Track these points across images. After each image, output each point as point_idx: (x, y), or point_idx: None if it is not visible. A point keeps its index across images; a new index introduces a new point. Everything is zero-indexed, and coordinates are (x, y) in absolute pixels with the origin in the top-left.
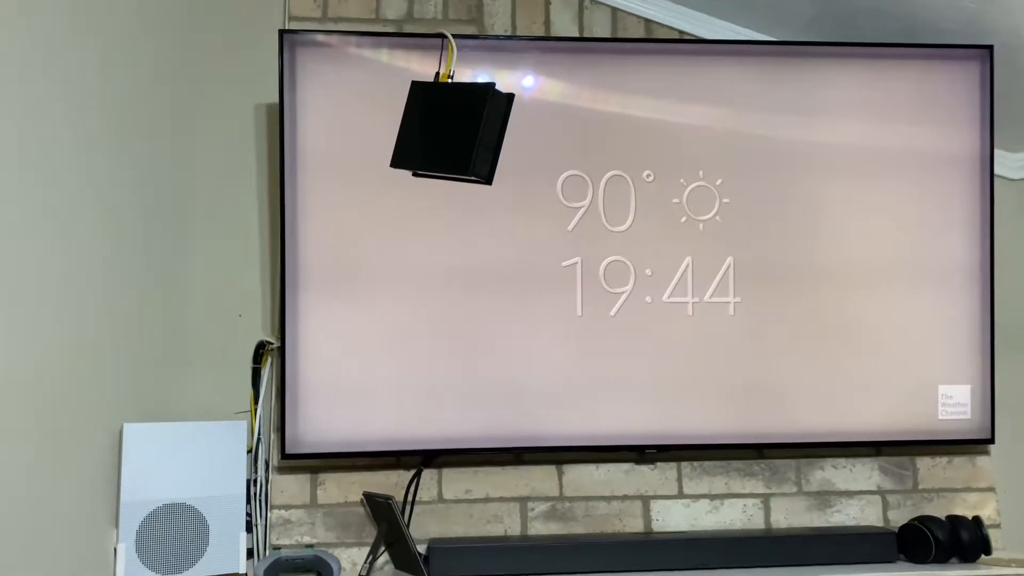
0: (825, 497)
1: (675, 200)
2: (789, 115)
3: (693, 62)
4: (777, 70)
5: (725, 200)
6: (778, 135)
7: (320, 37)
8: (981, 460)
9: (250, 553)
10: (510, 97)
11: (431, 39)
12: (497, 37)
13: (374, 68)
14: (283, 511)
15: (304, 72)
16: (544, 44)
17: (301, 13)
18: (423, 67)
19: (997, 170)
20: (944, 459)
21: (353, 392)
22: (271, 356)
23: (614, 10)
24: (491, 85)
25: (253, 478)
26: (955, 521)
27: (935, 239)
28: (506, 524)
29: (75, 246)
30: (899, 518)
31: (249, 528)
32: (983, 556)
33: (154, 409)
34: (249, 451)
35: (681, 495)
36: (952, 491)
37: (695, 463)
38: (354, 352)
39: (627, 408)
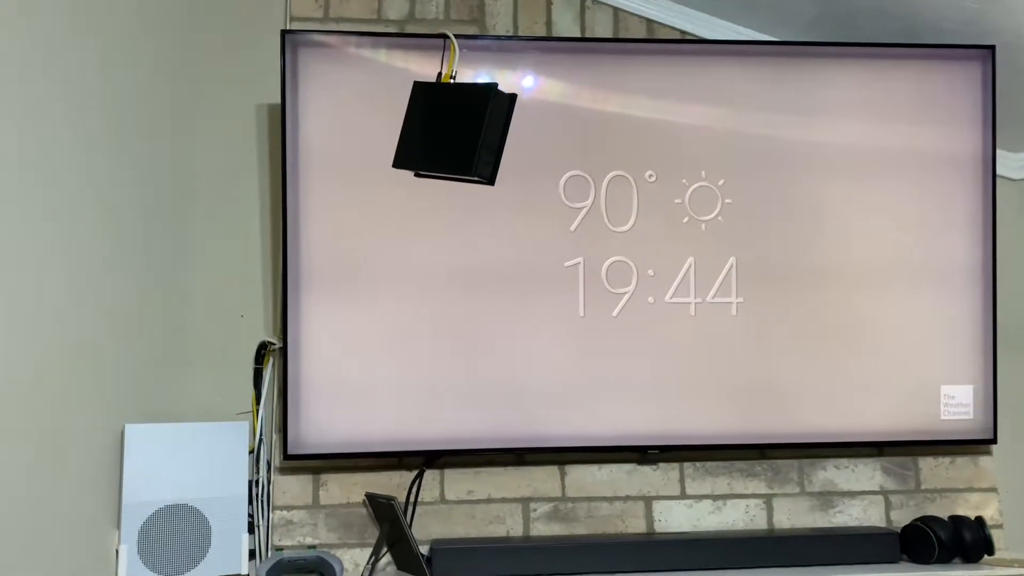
0: (828, 497)
1: (677, 200)
2: (791, 115)
3: (695, 62)
4: (779, 70)
5: (727, 200)
6: (780, 135)
7: (322, 37)
8: (983, 460)
9: (252, 554)
10: (512, 97)
11: (433, 39)
12: (499, 37)
13: (376, 68)
14: (285, 512)
15: (306, 72)
16: (546, 44)
17: (302, 13)
18: (425, 67)
19: (999, 170)
20: (946, 459)
21: (355, 392)
22: (273, 356)
23: (616, 10)
24: (493, 85)
25: (255, 479)
26: (958, 521)
27: (937, 239)
28: (508, 525)
29: (75, 246)
30: (901, 518)
31: (251, 529)
32: (986, 556)
33: (156, 410)
34: (251, 452)
35: (684, 496)
36: (954, 491)
37: (697, 464)
38: (356, 352)
39: (629, 408)
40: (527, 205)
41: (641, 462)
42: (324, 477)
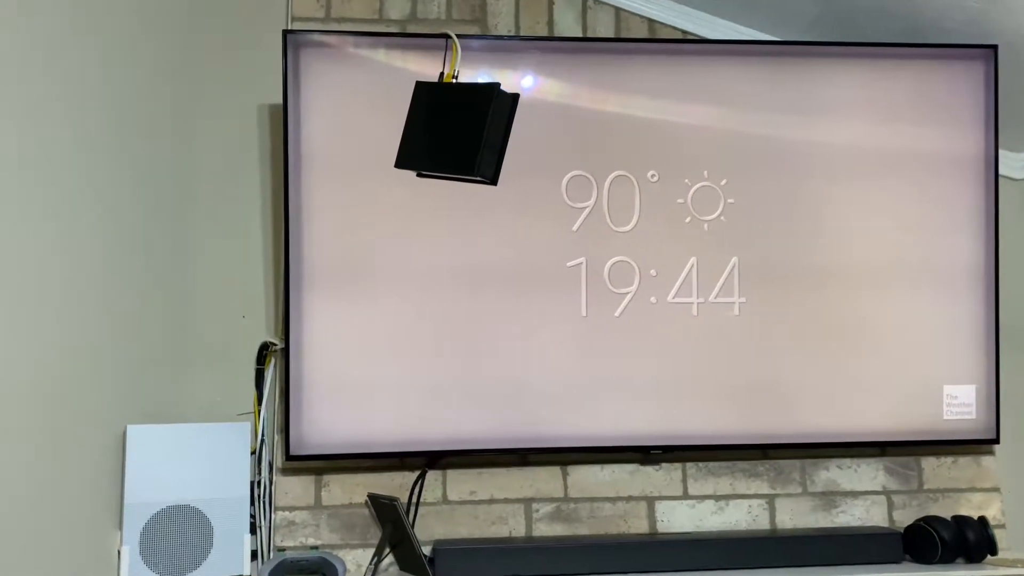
0: (830, 497)
1: (680, 200)
2: (793, 115)
3: (696, 62)
4: (780, 70)
5: (730, 200)
6: (782, 135)
7: (323, 38)
8: (986, 460)
9: (254, 555)
10: (515, 97)
11: (435, 39)
12: (501, 37)
13: (377, 68)
14: (287, 513)
15: (307, 72)
16: (548, 44)
17: (304, 13)
18: (427, 67)
19: (1001, 170)
20: (949, 459)
21: (357, 393)
22: (274, 357)
23: (617, 10)
24: (496, 85)
25: (257, 480)
26: (961, 521)
27: (939, 239)
28: (511, 525)
29: (75, 246)
30: (904, 518)
31: (253, 530)
32: (989, 556)
33: (157, 410)
34: (253, 453)
35: (686, 496)
36: (957, 491)
37: (700, 464)
38: (358, 353)
39: (632, 409)
40: (529, 205)
41: (643, 462)
42: (326, 478)
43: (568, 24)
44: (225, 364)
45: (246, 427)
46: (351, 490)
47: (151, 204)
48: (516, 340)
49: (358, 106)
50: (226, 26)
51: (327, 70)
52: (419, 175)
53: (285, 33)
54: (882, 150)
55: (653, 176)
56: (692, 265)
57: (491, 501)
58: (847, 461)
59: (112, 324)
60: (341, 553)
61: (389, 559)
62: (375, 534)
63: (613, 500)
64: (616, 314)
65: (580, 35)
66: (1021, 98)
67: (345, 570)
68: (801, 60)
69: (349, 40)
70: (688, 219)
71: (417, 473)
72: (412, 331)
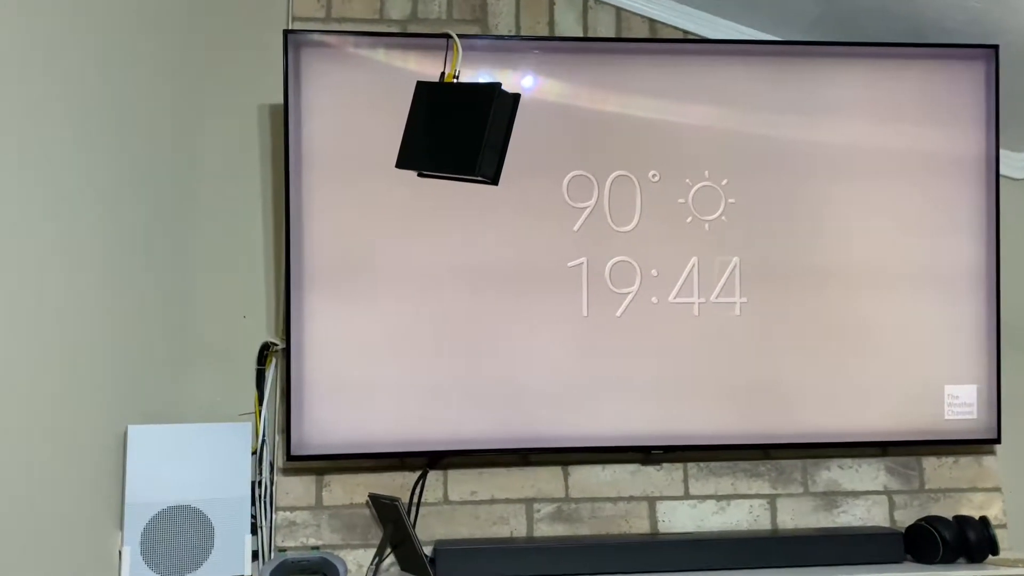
0: (831, 497)
1: (681, 200)
2: (794, 115)
3: (697, 62)
4: (782, 70)
5: (731, 200)
6: (783, 135)
7: (324, 37)
8: (987, 460)
9: (255, 555)
10: (516, 97)
11: (435, 39)
12: (501, 37)
13: (378, 68)
14: (288, 513)
15: (308, 72)
16: (548, 44)
17: (304, 13)
18: (428, 67)
19: (1002, 170)
20: (950, 459)
21: (358, 393)
22: (275, 357)
23: (618, 10)
24: (497, 85)
25: (258, 480)
26: (962, 521)
27: (941, 239)
28: (512, 525)
29: (75, 246)
30: (905, 518)
31: (254, 530)
32: (990, 556)
33: (158, 411)
34: (254, 453)
35: (687, 496)
36: (958, 491)
37: (701, 464)
38: (359, 353)
39: (633, 409)
40: (530, 205)
41: (645, 462)
42: (327, 478)
43: (569, 24)
44: (226, 364)
45: (247, 427)
46: (352, 490)
47: (151, 204)
48: (517, 340)
49: (359, 106)
50: (226, 26)
51: (328, 70)
52: (420, 175)
53: (286, 33)
54: (884, 150)
55: (654, 176)
56: (693, 265)
57: (492, 501)
58: (848, 461)
59: (112, 324)
60: (342, 553)
61: (390, 559)
62: (376, 534)
63: (614, 500)
64: (617, 314)
65: (581, 35)
66: (1022, 98)
67: (346, 570)
68: (802, 60)
69: (350, 40)
70: (689, 219)
71: (418, 473)
72: (413, 331)
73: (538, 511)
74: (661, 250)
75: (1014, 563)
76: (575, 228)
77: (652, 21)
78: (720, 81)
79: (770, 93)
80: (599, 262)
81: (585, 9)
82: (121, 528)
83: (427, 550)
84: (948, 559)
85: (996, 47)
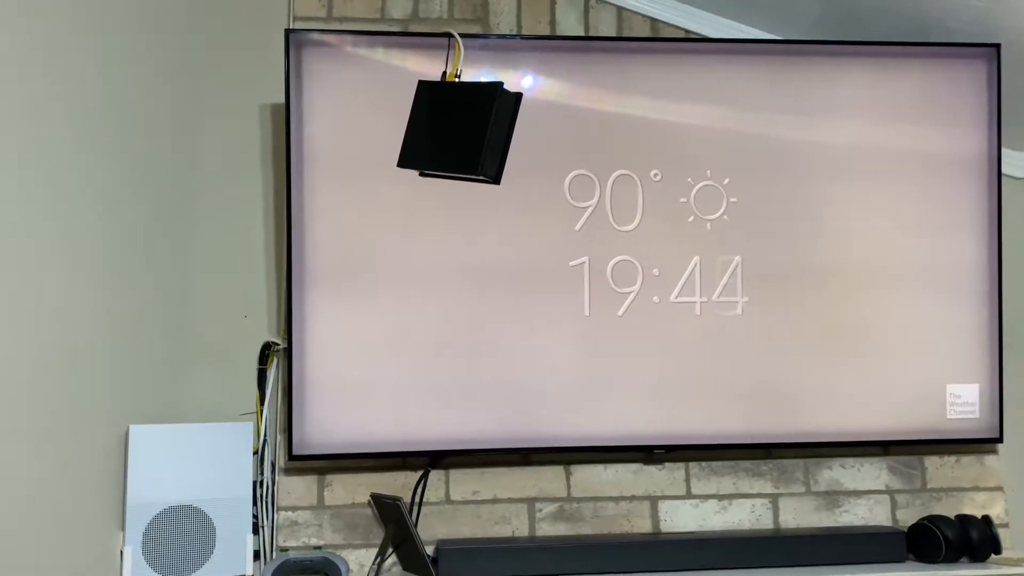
0: (833, 497)
1: (682, 199)
2: (796, 114)
3: (699, 61)
4: (783, 69)
5: (732, 199)
6: (785, 134)
7: (326, 37)
8: (989, 459)
9: (257, 555)
10: (518, 96)
11: (437, 38)
12: (503, 36)
13: (379, 68)
14: (290, 513)
15: (309, 72)
16: (550, 43)
17: (306, 13)
18: (429, 67)
19: (1004, 169)
20: (952, 458)
21: (360, 393)
22: (277, 357)
23: (620, 9)
24: (499, 84)
25: (259, 480)
26: (965, 520)
27: (943, 238)
28: (514, 525)
29: (75, 246)
30: (907, 517)
31: (256, 530)
32: (993, 555)
33: (160, 411)
34: (255, 452)
35: (689, 495)
36: (960, 490)
37: (703, 463)
38: (361, 352)
39: (635, 408)
40: (532, 204)
41: (647, 462)
42: (329, 478)
43: (570, 23)
44: (227, 364)
45: (248, 427)
46: (354, 490)
47: (151, 204)
48: (519, 340)
49: (360, 105)
50: (227, 25)
51: (329, 69)
52: (422, 174)
53: (287, 32)
54: (886, 149)
55: (656, 175)
56: (695, 264)
57: (494, 501)
58: (850, 460)
59: (112, 324)
60: (344, 553)
61: (392, 559)
62: (378, 534)
63: (616, 500)
64: (619, 313)
65: (582, 34)
66: None
67: (348, 570)
68: (804, 59)
69: (351, 39)
70: (691, 218)
71: (420, 473)
72: (415, 330)
73: (540, 511)
74: (663, 249)
75: (1017, 562)
76: (577, 227)
77: (653, 20)
78: (722, 80)
79: (772, 92)
80: (601, 261)
81: (586, 8)
82: (122, 528)
83: (429, 550)
84: (951, 558)
85: (998, 46)
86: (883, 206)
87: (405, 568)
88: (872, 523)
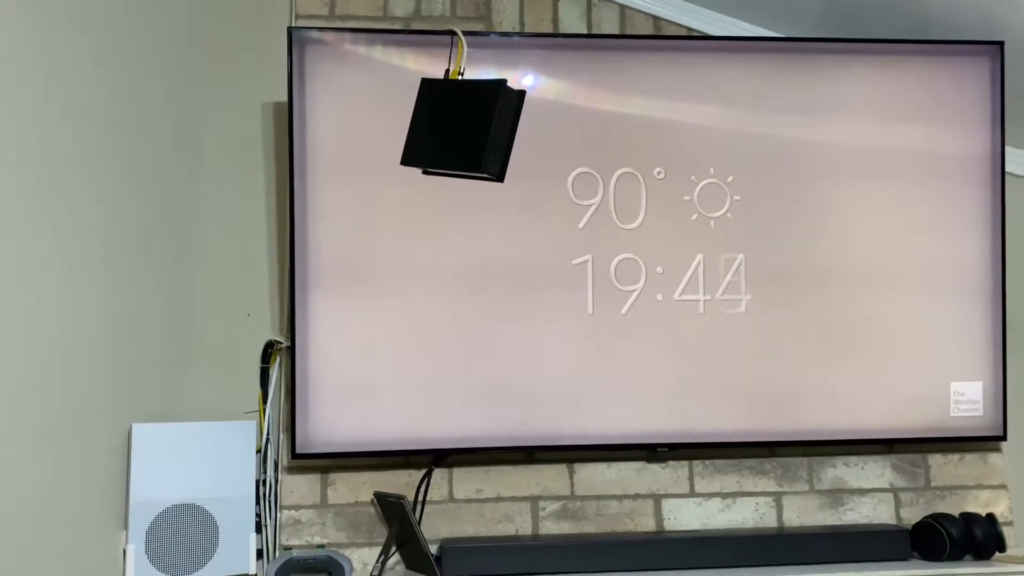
0: (837, 495)
1: (686, 197)
2: (798, 112)
3: (702, 59)
4: (785, 67)
5: (736, 197)
6: (788, 133)
7: (328, 35)
8: (993, 457)
9: (260, 554)
10: (521, 94)
11: (439, 36)
12: (505, 34)
13: (382, 66)
14: (293, 511)
15: (312, 70)
16: (552, 41)
17: (308, 11)
18: (432, 65)
19: (1007, 167)
20: (956, 456)
21: (363, 391)
22: (280, 355)
23: (622, 7)
24: (502, 82)
25: (262, 478)
26: (969, 518)
27: (946, 236)
28: (517, 524)
29: (75, 246)
30: (911, 516)
31: (259, 529)
32: (997, 553)
33: (162, 409)
34: (258, 451)
35: (693, 494)
36: (964, 488)
37: (707, 461)
38: (364, 351)
39: (638, 406)
40: (535, 203)
41: (650, 460)
42: (332, 476)
43: (572, 21)
44: (230, 363)
45: (251, 426)
46: (357, 489)
47: (151, 204)
48: (522, 338)
49: (363, 104)
50: (228, 24)
51: (332, 68)
52: (425, 172)
53: (290, 31)
54: (889, 147)
55: (659, 173)
56: (699, 262)
57: (497, 499)
58: (854, 459)
59: (113, 324)
60: (347, 552)
61: (396, 558)
62: (381, 533)
63: (620, 498)
64: (622, 312)
65: (585, 32)
66: None
67: (352, 569)
68: (807, 57)
69: (354, 38)
70: (695, 216)
71: (423, 472)
72: (418, 329)
73: (543, 509)
74: (666, 247)
75: (1021, 560)
76: (580, 225)
77: (656, 18)
78: (724, 78)
79: (775, 90)
80: (604, 259)
81: (589, 6)
82: (125, 527)
83: (432, 548)
84: (955, 556)
85: (1001, 44)
86: (887, 204)
87: (409, 567)
88: (876, 521)
